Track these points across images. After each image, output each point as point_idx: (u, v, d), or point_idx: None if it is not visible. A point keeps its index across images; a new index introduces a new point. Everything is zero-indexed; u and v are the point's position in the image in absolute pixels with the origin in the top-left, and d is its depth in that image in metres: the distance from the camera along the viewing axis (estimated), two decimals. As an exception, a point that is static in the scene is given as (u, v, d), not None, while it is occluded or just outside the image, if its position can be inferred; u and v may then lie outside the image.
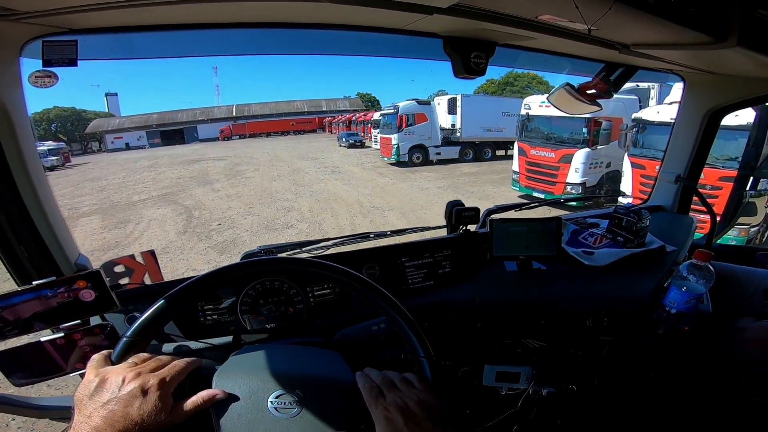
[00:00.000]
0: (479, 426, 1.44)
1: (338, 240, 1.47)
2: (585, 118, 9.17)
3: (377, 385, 0.73)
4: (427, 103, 19.13)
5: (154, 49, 1.23)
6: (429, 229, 1.65)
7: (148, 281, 1.31)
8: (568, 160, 9.79)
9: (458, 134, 18.84)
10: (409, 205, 10.68)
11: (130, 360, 0.70)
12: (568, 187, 9.65)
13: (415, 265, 1.42)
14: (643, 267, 1.43)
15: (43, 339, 0.90)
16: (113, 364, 0.70)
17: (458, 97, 18.72)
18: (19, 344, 0.88)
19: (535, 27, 1.05)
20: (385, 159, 18.97)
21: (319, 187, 13.56)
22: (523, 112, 11.13)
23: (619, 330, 1.36)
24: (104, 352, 0.72)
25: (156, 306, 0.74)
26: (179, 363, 0.70)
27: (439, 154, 18.67)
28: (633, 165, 7.62)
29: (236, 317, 1.19)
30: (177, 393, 0.67)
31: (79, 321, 0.92)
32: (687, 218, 1.78)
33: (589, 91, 1.49)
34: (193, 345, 1.11)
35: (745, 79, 1.51)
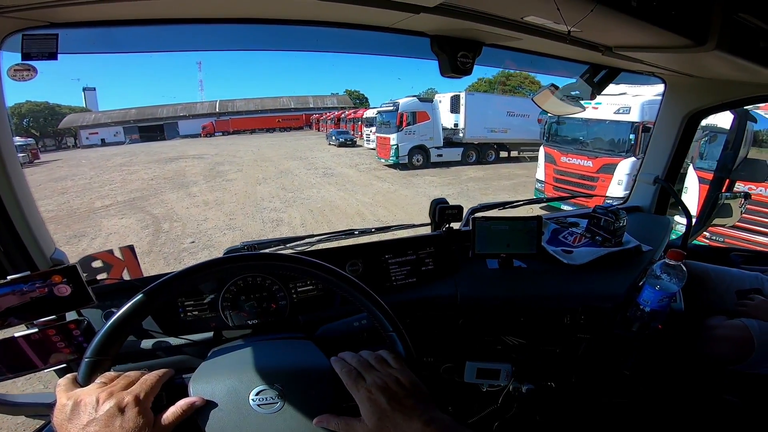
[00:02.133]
0: (461, 422, 1.45)
1: (322, 236, 1.47)
2: (631, 122, 8.06)
3: (354, 368, 0.74)
4: (429, 100, 17.71)
5: (136, 44, 1.22)
6: (413, 226, 1.66)
7: (126, 277, 1.30)
8: (610, 170, 8.32)
9: (461, 134, 17.56)
10: (419, 220, 8.66)
11: (98, 380, 0.67)
12: (609, 201, 7.71)
13: (398, 262, 1.42)
14: (619, 266, 1.46)
15: (17, 335, 0.88)
16: (81, 386, 0.67)
17: (462, 95, 17.53)
18: None
19: (521, 28, 1.06)
20: (382, 160, 17.39)
21: (311, 193, 11.96)
22: None
23: (596, 327, 1.39)
24: (69, 375, 0.69)
25: (112, 320, 0.71)
26: (150, 377, 0.69)
27: (440, 155, 17.29)
28: (701, 180, 6.09)
29: (218, 313, 1.18)
30: (156, 406, 0.66)
31: (54, 316, 0.90)
32: (664, 218, 1.82)
33: (573, 92, 1.51)
34: (173, 341, 1.10)
35: (724, 82, 1.55)
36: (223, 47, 1.35)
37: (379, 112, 18.75)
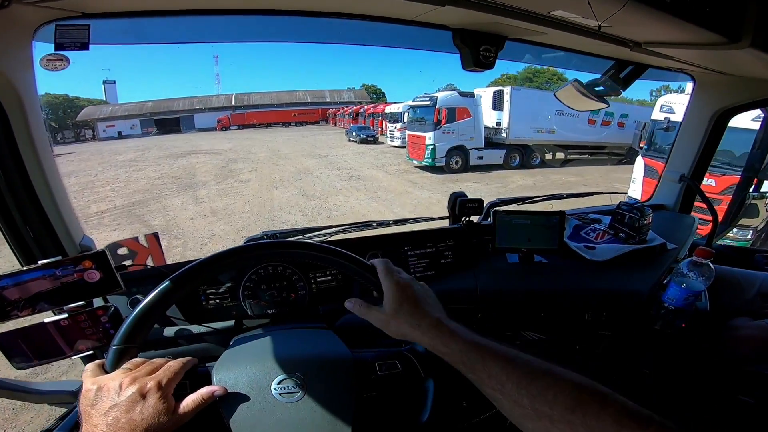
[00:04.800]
0: (475, 417, 1.45)
1: (341, 227, 1.48)
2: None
3: (393, 268, 0.78)
4: (471, 95, 15.26)
5: (163, 35, 1.24)
6: (432, 219, 1.66)
7: (150, 263, 1.32)
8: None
9: (504, 134, 15.38)
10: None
11: (124, 366, 0.68)
12: (737, 231, 4.91)
13: (417, 254, 1.42)
14: (643, 263, 1.44)
15: (47, 320, 0.89)
16: (107, 372, 0.68)
17: (506, 90, 15.40)
18: (21, 326, 0.87)
19: (547, 22, 1.04)
20: (414, 161, 15.25)
21: (338, 201, 10.07)
22: (660, 116, 7.53)
23: (617, 325, 1.38)
24: (97, 361, 0.71)
25: (139, 308, 0.71)
26: (174, 364, 0.69)
27: (481, 158, 15.13)
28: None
29: (238, 302, 1.20)
30: (179, 394, 0.67)
31: (83, 302, 0.92)
32: (688, 218, 1.79)
33: (597, 88, 1.49)
34: (195, 329, 1.12)
35: (756, 80, 1.50)
36: (247, 38, 1.36)
37: (411, 107, 16.51)
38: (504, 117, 15.50)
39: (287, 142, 27.15)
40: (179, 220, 8.77)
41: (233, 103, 59.22)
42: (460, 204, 1.53)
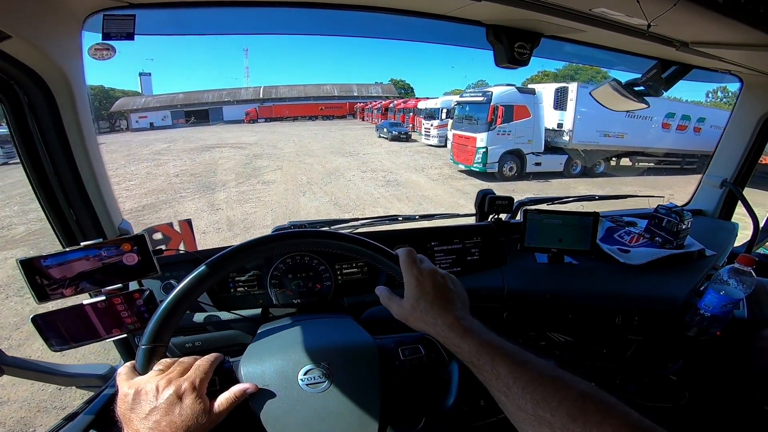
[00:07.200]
0: (494, 416, 1.44)
1: (367, 220, 1.50)
2: None
3: (416, 258, 0.77)
4: (531, 91, 13.10)
5: (200, 26, 1.27)
6: (458, 216, 1.66)
7: (182, 249, 1.36)
8: None
9: (566, 138, 13.10)
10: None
11: (156, 367, 0.68)
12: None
13: (444, 250, 1.42)
14: (679, 269, 1.41)
15: (85, 302, 0.90)
16: (140, 374, 0.68)
17: (572, 87, 13.02)
18: (59, 307, 0.88)
19: (587, 19, 1.02)
20: (461, 165, 13.27)
21: (376, 214, 7.40)
22: None
23: (649, 330, 1.35)
24: (128, 363, 0.70)
25: (164, 306, 0.70)
26: (203, 363, 0.70)
27: (538, 164, 13.09)
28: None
29: (265, 291, 1.22)
30: (208, 391, 0.67)
31: (120, 285, 0.93)
32: (729, 224, 1.73)
33: (637, 88, 1.44)
34: (224, 316, 1.14)
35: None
36: (284, 31, 1.39)
37: (459, 104, 14.28)
38: (567, 118, 13.14)
39: (314, 136, 25.81)
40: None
41: (261, 96, 59.43)
42: (490, 201, 1.52)
